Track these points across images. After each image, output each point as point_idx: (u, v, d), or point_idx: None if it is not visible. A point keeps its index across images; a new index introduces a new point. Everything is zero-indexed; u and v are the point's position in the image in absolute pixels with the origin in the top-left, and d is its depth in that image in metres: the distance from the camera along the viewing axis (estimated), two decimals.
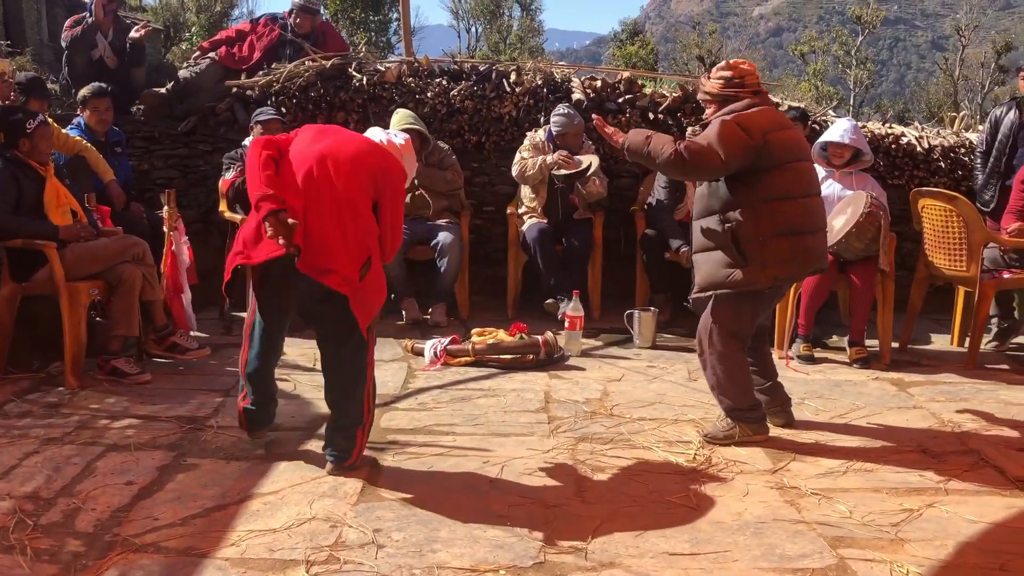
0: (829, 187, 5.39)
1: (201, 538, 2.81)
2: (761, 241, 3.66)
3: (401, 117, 6.01)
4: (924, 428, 4.10)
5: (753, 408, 3.86)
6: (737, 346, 3.83)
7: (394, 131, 3.71)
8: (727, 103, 3.77)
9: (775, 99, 6.92)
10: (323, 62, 6.68)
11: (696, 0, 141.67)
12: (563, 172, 5.91)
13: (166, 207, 5.08)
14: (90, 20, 6.80)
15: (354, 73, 6.66)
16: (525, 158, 6.08)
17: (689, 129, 5.97)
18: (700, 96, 3.92)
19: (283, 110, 6.39)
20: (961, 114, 8.15)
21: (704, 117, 3.93)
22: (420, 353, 5.08)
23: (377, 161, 3.39)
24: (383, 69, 6.78)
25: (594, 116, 4.17)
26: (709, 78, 3.87)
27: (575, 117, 6.12)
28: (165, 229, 5.11)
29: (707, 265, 3.81)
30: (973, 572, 2.73)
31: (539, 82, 6.73)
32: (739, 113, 3.68)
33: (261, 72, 6.74)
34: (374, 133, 3.65)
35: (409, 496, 3.15)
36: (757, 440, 3.82)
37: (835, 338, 5.63)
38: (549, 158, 5.97)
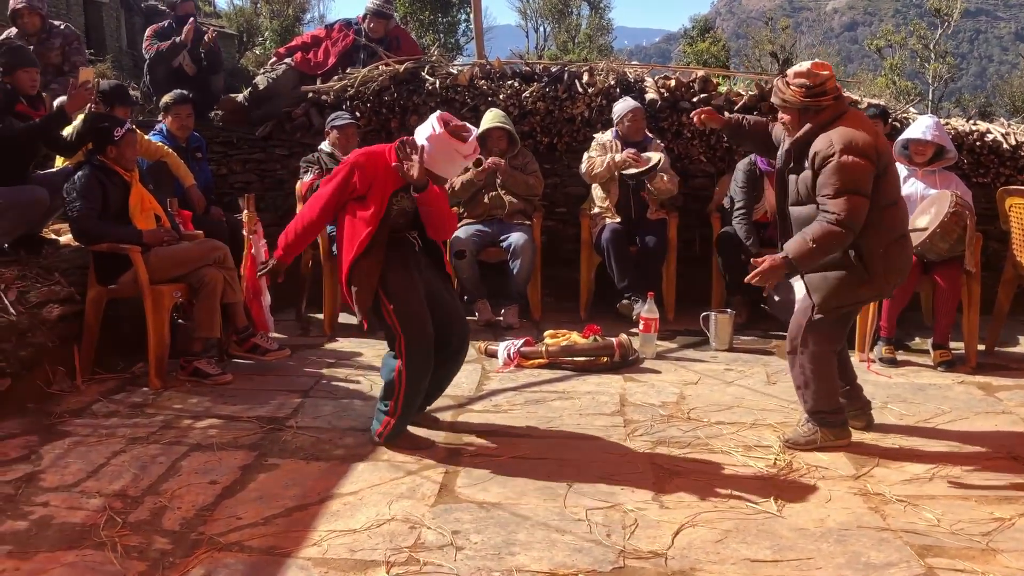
0: (912, 186, 5.25)
1: (283, 537, 2.86)
2: (882, 252, 3.58)
3: (492, 116, 6.06)
4: (1014, 433, 3.96)
5: (837, 411, 3.78)
6: (832, 348, 3.77)
7: (427, 123, 3.65)
8: (807, 112, 3.60)
9: (854, 96, 6.77)
10: (396, 66, 6.75)
11: None
12: (632, 171, 5.87)
13: (245, 211, 5.19)
14: (178, 40, 6.99)
15: (427, 76, 6.71)
16: (592, 157, 6.07)
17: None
18: (776, 101, 3.73)
19: (357, 114, 6.48)
20: None
21: (781, 120, 3.79)
22: (493, 355, 5.09)
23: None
24: (455, 72, 6.82)
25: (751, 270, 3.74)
26: (788, 84, 3.64)
27: (633, 102, 6.16)
28: (244, 232, 5.22)
29: (828, 283, 3.64)
30: None
31: (611, 82, 6.70)
32: (846, 144, 3.47)
33: (336, 77, 6.84)
34: (417, 132, 3.66)
35: (486, 498, 3.16)
36: (839, 444, 3.74)
37: (918, 340, 5.48)
38: (617, 156, 5.95)
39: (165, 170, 5.63)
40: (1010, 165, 6.45)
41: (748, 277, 3.62)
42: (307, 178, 5.74)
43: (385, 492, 3.22)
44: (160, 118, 6.05)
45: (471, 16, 8.94)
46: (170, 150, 5.71)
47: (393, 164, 3.58)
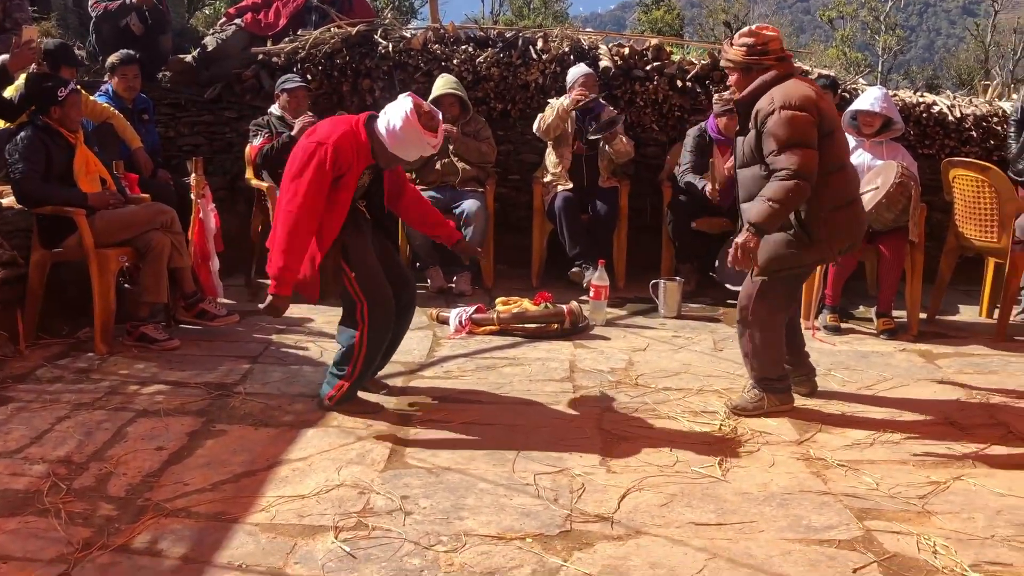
0: (859, 156, 5.33)
1: (231, 503, 2.85)
2: (823, 217, 3.62)
3: (444, 82, 6.01)
4: (952, 400, 4.08)
5: (782, 378, 3.86)
6: (781, 317, 3.83)
7: (402, 105, 3.58)
8: (750, 71, 3.68)
9: (804, 67, 6.84)
10: (349, 29, 6.65)
11: None
12: (595, 136, 5.87)
13: (193, 174, 5.11)
14: (128, 0, 6.78)
15: (380, 40, 6.62)
16: (542, 115, 6.06)
17: (715, 96, 5.91)
18: (723, 63, 3.85)
19: (309, 77, 6.38)
20: (995, 82, 8.02)
21: (728, 84, 3.89)
22: (445, 322, 5.10)
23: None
24: (409, 36, 6.74)
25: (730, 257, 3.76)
26: (732, 44, 3.75)
27: (586, 68, 6.21)
28: (192, 196, 5.13)
29: (769, 246, 3.68)
30: (1001, 545, 2.71)
31: (566, 49, 6.67)
32: (786, 100, 3.53)
33: (287, 39, 6.73)
34: (391, 111, 3.60)
35: (436, 463, 3.18)
36: (784, 410, 3.82)
37: (862, 309, 5.60)
38: (566, 100, 5.94)
39: (111, 132, 5.51)
40: (955, 137, 6.58)
41: (730, 261, 3.64)
42: (256, 142, 5.65)
43: (334, 458, 3.22)
44: (106, 79, 5.91)
45: None
46: (116, 111, 5.58)
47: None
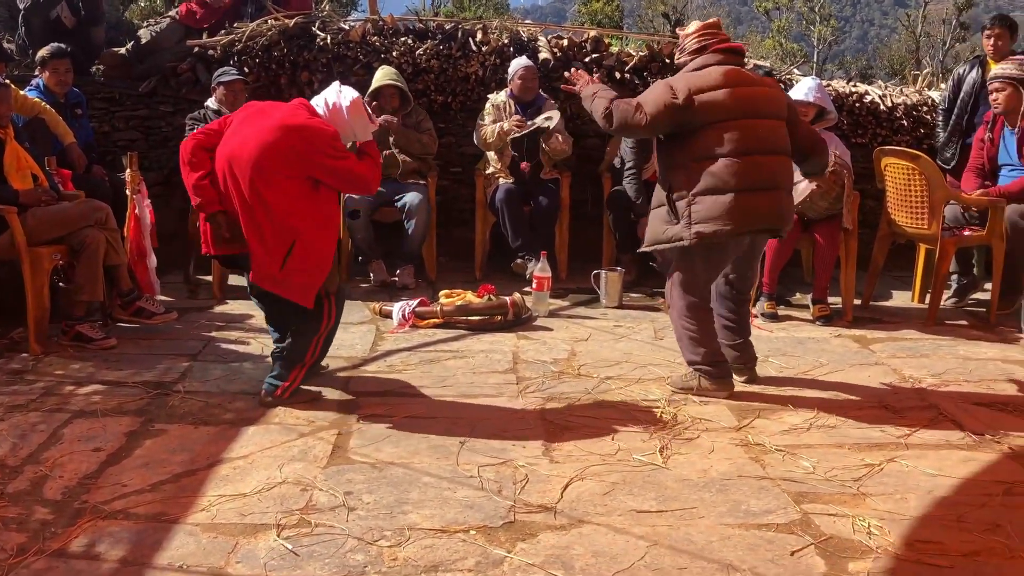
0: None
1: (171, 504, 2.81)
2: (688, 199, 3.74)
3: (384, 73, 5.99)
4: (885, 384, 4.18)
5: (713, 363, 3.92)
6: (692, 301, 3.91)
7: (342, 90, 3.65)
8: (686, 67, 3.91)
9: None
10: (286, 21, 6.57)
11: None
12: (517, 135, 5.91)
13: (128, 170, 5.02)
14: None
15: (318, 32, 6.56)
16: (484, 124, 6.08)
17: None
18: (677, 59, 4.05)
19: (246, 70, 6.30)
20: (924, 72, 8.22)
21: None
22: (388, 315, 5.08)
23: (287, 145, 3.42)
24: (347, 28, 6.69)
25: (570, 71, 4.28)
26: (683, 37, 4.00)
27: (526, 61, 6.26)
28: (128, 192, 5.04)
29: (652, 221, 3.95)
30: (932, 524, 2.79)
31: (505, 41, 6.69)
32: (681, 73, 3.83)
33: (223, 31, 6.63)
34: (327, 94, 3.62)
35: (379, 458, 3.17)
36: (716, 395, 3.90)
37: (799, 296, 5.72)
38: (505, 124, 5.98)
39: (42, 127, 5.37)
40: (886, 126, 6.74)
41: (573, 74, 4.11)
42: None
43: (276, 455, 3.20)
44: (37, 73, 5.76)
45: None
46: (47, 106, 5.45)
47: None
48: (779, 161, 3.83)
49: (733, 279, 4.05)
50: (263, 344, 4.53)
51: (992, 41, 6.04)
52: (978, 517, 2.82)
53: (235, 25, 6.64)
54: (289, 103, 3.70)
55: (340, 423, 3.51)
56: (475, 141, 6.17)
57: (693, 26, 3.96)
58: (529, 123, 5.95)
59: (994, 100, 5.40)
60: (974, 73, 6.07)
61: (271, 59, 6.46)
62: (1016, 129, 5.37)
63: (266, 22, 6.58)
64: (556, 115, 6.04)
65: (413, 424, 3.51)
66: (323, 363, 4.10)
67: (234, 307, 5.31)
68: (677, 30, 4.10)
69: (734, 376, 4.04)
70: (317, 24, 6.64)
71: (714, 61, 3.81)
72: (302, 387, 3.75)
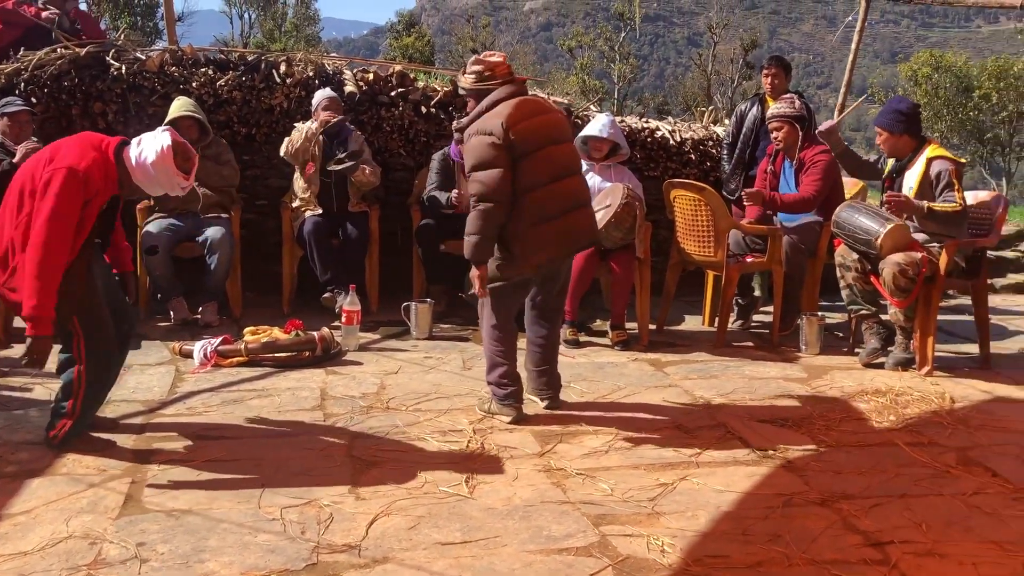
0: (591, 179, 5.64)
1: None
2: (521, 235, 3.87)
3: (180, 104, 5.79)
4: (679, 405, 4.42)
5: (505, 385, 4.07)
6: (500, 323, 4.06)
7: (158, 138, 3.49)
8: (481, 96, 3.99)
9: (543, 94, 7.19)
10: (78, 50, 6.26)
11: None
12: (334, 167, 5.88)
13: None
14: None
15: (112, 62, 6.28)
16: (288, 140, 6.01)
17: (455, 123, 6.09)
18: (461, 92, 4.07)
19: (33, 100, 5.95)
20: (710, 108, 8.79)
21: (467, 111, 4.09)
22: (189, 355, 4.90)
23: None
24: (144, 58, 6.45)
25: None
26: (464, 73, 4.04)
27: (330, 91, 6.25)
28: None
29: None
30: (720, 539, 2.96)
31: (310, 73, 6.63)
32: (475, 127, 3.89)
33: (8, 60, 6.23)
34: (145, 137, 3.49)
35: (175, 506, 3.05)
36: (505, 418, 4.04)
37: (599, 322, 5.95)
38: (313, 124, 5.92)
39: None
40: (676, 159, 7.15)
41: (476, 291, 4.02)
42: None
43: (63, 508, 3.02)
44: None
45: None
46: None
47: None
48: (581, 180, 4.16)
49: (540, 301, 4.19)
50: (50, 390, 4.24)
51: (769, 80, 6.54)
52: (761, 529, 3.02)
53: (21, 53, 6.25)
54: (80, 143, 3.49)
55: (134, 471, 3.35)
56: (282, 153, 6.05)
57: (499, 57, 4.07)
58: (337, 117, 5.97)
59: (775, 138, 5.87)
60: (755, 110, 6.54)
61: (61, 89, 6.13)
62: (794, 162, 5.85)
63: (55, 51, 6.23)
64: (362, 145, 6.05)
65: (213, 468, 3.40)
66: (111, 416, 3.90)
67: (19, 351, 4.94)
68: (475, 56, 4.14)
69: (538, 401, 4.20)
70: (112, 53, 6.36)
71: (506, 94, 3.95)
72: (93, 436, 3.56)
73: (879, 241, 4.96)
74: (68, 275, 3.34)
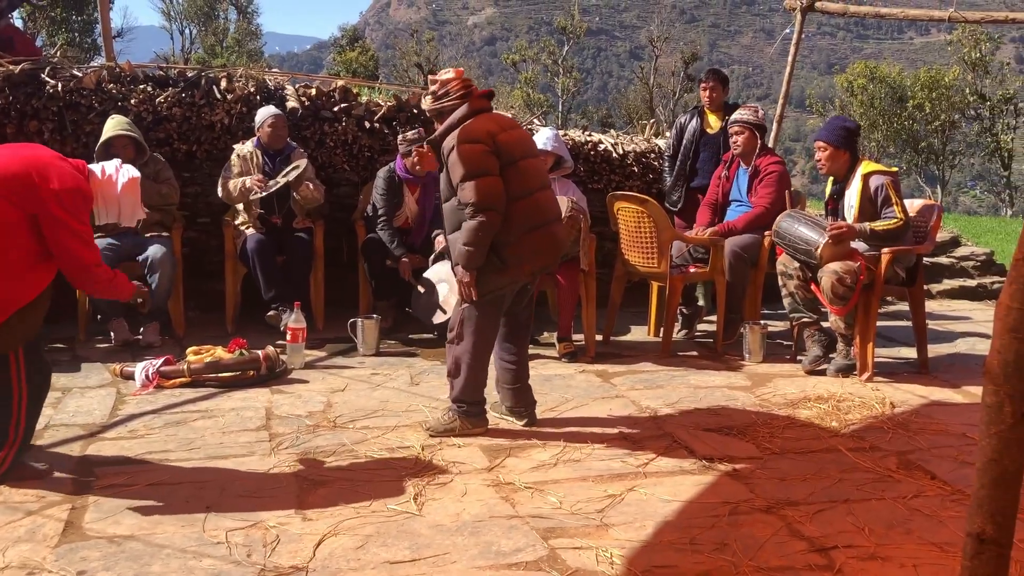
0: None
1: None
2: (514, 242, 3.89)
3: (115, 123, 5.70)
4: (625, 416, 4.45)
5: (478, 403, 4.07)
6: (486, 341, 4.04)
7: (123, 167, 3.54)
8: (444, 115, 4.01)
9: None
10: (11, 68, 6.12)
11: (414, 8, 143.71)
12: (263, 194, 5.85)
13: None
14: None
15: (47, 79, 6.16)
16: (229, 177, 5.95)
17: (400, 136, 6.12)
18: (427, 113, 4.15)
19: None
20: (651, 121, 8.90)
21: (435, 131, 4.09)
22: (130, 377, 4.81)
23: (24, 172, 3.22)
24: (80, 75, 6.33)
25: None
26: (425, 95, 4.11)
27: (274, 109, 6.20)
28: None
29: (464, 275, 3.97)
30: (667, 549, 2.98)
31: (251, 89, 6.58)
32: (460, 136, 3.86)
33: None
34: (105, 164, 3.51)
35: (117, 532, 2.99)
36: (476, 432, 4.02)
37: (546, 335, 5.97)
38: (247, 181, 5.88)
39: None
40: (619, 172, 7.23)
41: (463, 296, 3.98)
42: None
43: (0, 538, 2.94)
44: None
45: None
46: None
47: None
48: (553, 194, 4.22)
49: (510, 318, 4.20)
50: None
51: (707, 93, 6.65)
52: (708, 538, 3.05)
53: None
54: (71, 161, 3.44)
55: (74, 497, 3.28)
56: (219, 195, 6.01)
57: (452, 72, 4.08)
58: (271, 183, 5.88)
59: (734, 142, 5.99)
60: (694, 122, 6.64)
61: None
62: (749, 168, 5.96)
63: None
64: (304, 162, 6.00)
65: (156, 492, 3.34)
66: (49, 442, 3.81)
67: None
68: (430, 77, 4.18)
69: (515, 420, 4.22)
70: (47, 70, 6.23)
71: (478, 107, 3.98)
72: (30, 465, 3.47)
73: (819, 251, 5.07)
74: (39, 300, 3.30)
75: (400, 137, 6.07)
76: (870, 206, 5.18)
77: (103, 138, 5.57)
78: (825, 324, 5.38)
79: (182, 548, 2.89)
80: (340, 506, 3.24)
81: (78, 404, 4.41)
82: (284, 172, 5.92)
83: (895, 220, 5.10)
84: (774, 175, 5.87)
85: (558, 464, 3.75)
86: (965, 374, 5.31)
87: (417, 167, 5.96)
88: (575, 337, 5.61)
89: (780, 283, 5.42)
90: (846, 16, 8.26)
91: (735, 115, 6.09)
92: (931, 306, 7.33)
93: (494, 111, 4.12)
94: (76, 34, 29.09)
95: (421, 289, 5.81)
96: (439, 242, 5.88)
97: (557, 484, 3.52)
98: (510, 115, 7.20)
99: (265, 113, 6.10)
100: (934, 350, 5.79)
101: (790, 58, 8.17)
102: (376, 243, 5.98)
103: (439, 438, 3.99)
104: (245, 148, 6.07)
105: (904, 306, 6.31)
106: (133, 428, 4.11)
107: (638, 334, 6.34)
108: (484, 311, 4.01)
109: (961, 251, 8.81)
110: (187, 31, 46.67)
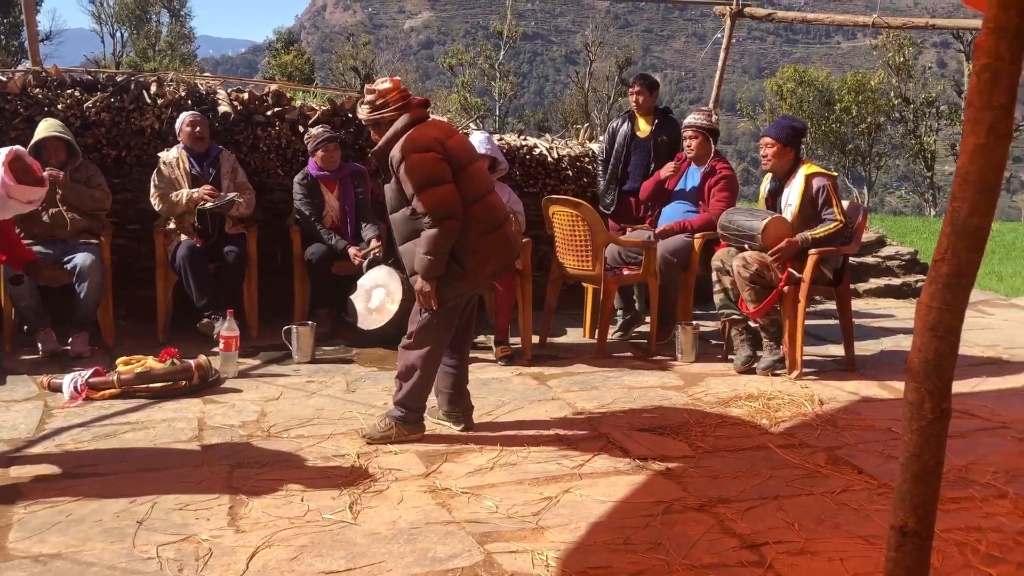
0: None
1: None
2: (472, 246, 3.89)
3: (48, 125, 5.60)
4: (561, 417, 4.48)
5: (419, 410, 4.09)
6: (439, 349, 4.06)
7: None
8: (381, 126, 3.98)
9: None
10: None
11: (350, 11, 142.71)
12: (210, 205, 5.79)
13: None
14: None
15: None
16: (159, 186, 5.88)
17: (306, 136, 6.14)
18: (363, 122, 4.11)
19: None
20: (585, 126, 8.98)
21: (374, 141, 4.05)
22: (58, 389, 4.69)
23: None
24: (4, 79, 6.17)
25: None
26: (362, 104, 4.06)
27: (194, 111, 6.17)
28: None
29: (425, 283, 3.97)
30: (602, 550, 3.01)
31: (182, 93, 6.48)
32: (408, 146, 3.84)
33: None
34: None
35: (43, 551, 2.92)
36: (412, 439, 4.02)
37: (483, 338, 5.98)
38: (196, 193, 5.83)
39: None
40: (555, 176, 7.28)
41: (423, 306, 3.96)
42: None
43: None
44: None
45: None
46: None
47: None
48: (498, 194, 4.22)
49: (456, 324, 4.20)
50: None
51: (635, 97, 6.72)
52: (642, 537, 3.09)
53: None
54: None
55: None
56: (156, 208, 5.91)
57: (389, 82, 4.04)
58: (221, 194, 5.83)
59: (687, 146, 6.12)
60: (625, 126, 6.71)
61: None
62: (701, 171, 6.08)
63: None
64: (236, 196, 5.97)
65: (84, 508, 3.27)
66: None
67: None
68: (367, 86, 4.14)
69: (451, 425, 4.23)
70: None
71: (418, 117, 3.97)
72: None
73: (761, 232, 5.24)
74: None
75: (307, 136, 6.14)
76: (810, 206, 5.33)
77: (34, 140, 5.46)
78: (751, 323, 5.49)
79: (111, 565, 2.83)
80: (274, 517, 3.21)
81: (3, 418, 4.30)
82: (229, 197, 5.87)
83: (835, 223, 5.27)
84: (725, 180, 6.06)
85: (494, 468, 3.76)
86: (890, 371, 5.46)
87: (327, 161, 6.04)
88: (511, 340, 5.64)
89: (714, 279, 5.53)
90: (775, 22, 8.45)
91: (688, 119, 6.22)
92: (858, 305, 7.52)
93: (431, 117, 4.12)
94: (2, 37, 28.29)
95: (355, 296, 5.78)
96: (372, 240, 5.95)
97: (494, 488, 3.54)
98: (446, 119, 7.22)
99: (184, 115, 6.03)
100: (861, 348, 5.93)
101: (720, 62, 8.32)
102: (318, 254, 5.94)
103: (375, 445, 3.98)
104: (170, 155, 5.99)
105: (832, 305, 6.46)
106: (61, 442, 4.01)
107: (574, 336, 6.40)
108: (441, 319, 4.01)
109: (886, 251, 9.06)
110: (118, 34, 45.69)
